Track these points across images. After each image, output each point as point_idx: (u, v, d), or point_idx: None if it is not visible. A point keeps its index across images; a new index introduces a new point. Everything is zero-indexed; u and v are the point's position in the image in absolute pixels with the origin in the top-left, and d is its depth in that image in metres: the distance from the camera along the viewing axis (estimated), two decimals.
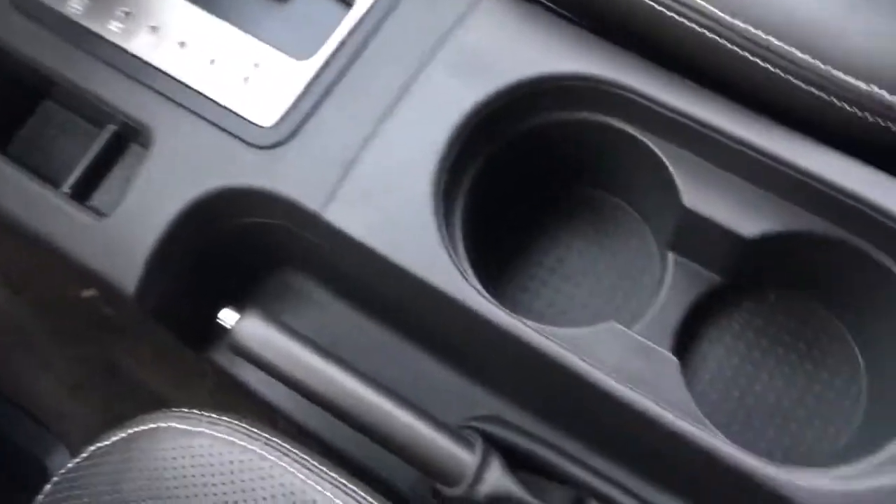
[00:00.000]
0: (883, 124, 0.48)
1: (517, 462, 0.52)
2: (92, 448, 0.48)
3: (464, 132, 0.53)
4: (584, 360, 0.48)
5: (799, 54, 0.48)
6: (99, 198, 0.60)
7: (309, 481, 0.45)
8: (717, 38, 0.49)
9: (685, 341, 0.58)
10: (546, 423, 0.56)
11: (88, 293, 0.74)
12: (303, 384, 0.50)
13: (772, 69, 0.49)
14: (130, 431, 0.47)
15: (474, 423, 0.54)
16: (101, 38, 0.59)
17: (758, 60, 0.49)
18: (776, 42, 0.48)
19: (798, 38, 0.48)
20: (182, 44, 0.58)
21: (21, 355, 0.84)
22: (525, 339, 0.49)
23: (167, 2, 0.59)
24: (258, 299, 0.64)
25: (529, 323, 0.50)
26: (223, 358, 0.64)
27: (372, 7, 0.57)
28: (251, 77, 0.56)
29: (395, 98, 0.54)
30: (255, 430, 0.47)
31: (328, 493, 0.45)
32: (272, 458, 0.46)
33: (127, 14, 0.59)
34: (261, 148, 0.55)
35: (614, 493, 0.53)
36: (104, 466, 0.47)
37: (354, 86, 0.56)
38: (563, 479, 0.53)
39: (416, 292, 0.52)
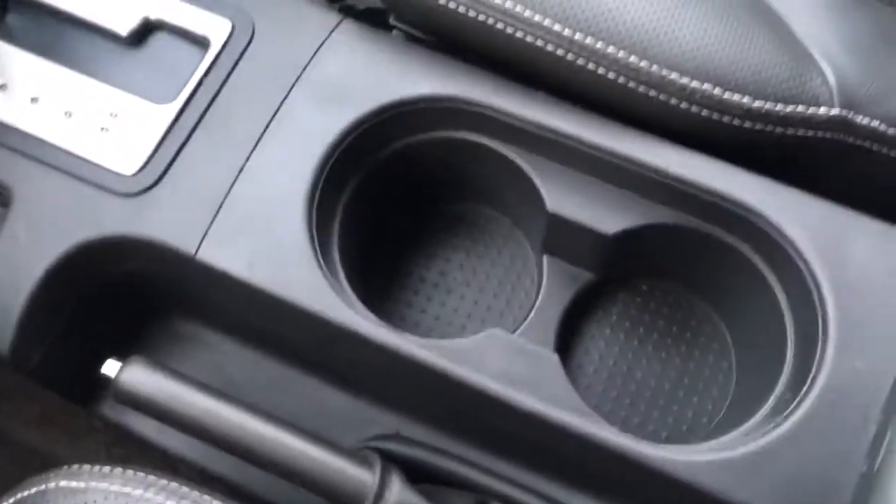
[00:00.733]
0: (717, 119, 0.52)
1: (420, 475, 0.53)
2: None
3: (330, 160, 0.55)
4: (469, 369, 0.50)
5: (635, 60, 0.51)
6: None
7: None
8: (555, 50, 0.52)
9: (567, 338, 0.60)
10: (445, 434, 0.58)
11: None
12: (193, 425, 0.49)
13: (612, 76, 0.52)
14: (16, 497, 0.46)
15: (373, 443, 0.55)
16: None
17: (599, 69, 0.52)
18: (612, 50, 0.51)
19: (631, 44, 0.51)
20: (34, 99, 0.57)
21: None
22: (411, 356, 0.50)
23: (14, 57, 0.58)
24: (145, 348, 0.63)
25: (413, 338, 0.52)
26: (113, 411, 0.62)
27: (227, 45, 0.58)
28: (110, 125, 0.56)
29: (259, 133, 0.55)
30: (153, 478, 0.47)
31: None
32: None
33: None
34: (126, 196, 0.54)
35: (515, 493, 0.54)
36: None
37: (218, 125, 0.56)
38: (466, 486, 0.55)
39: (300, 322, 0.52)
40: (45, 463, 0.48)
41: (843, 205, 0.52)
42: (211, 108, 0.56)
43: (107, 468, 0.47)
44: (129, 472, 0.47)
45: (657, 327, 0.62)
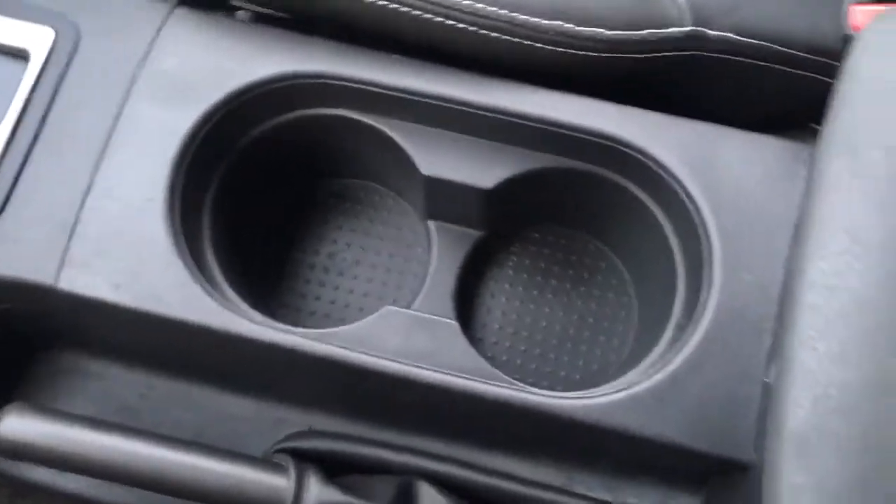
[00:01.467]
0: (573, 53, 0.51)
1: (342, 467, 0.51)
2: None
3: (186, 159, 0.51)
4: (365, 353, 0.48)
5: (482, 7, 0.50)
6: None
7: None
8: (410, 11, 0.50)
9: (467, 300, 0.59)
10: (360, 421, 0.56)
11: None
12: (86, 465, 0.46)
13: (461, 27, 0.50)
14: None
15: (286, 444, 0.53)
16: None
17: (448, 21, 0.50)
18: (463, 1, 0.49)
19: None
20: None
21: None
22: (303, 350, 0.48)
23: None
24: (30, 389, 0.59)
25: (304, 331, 0.49)
26: (6, 464, 0.58)
27: (52, 55, 0.53)
28: None
29: (103, 143, 0.51)
30: None
31: None
32: None
33: None
34: None
35: (439, 466, 0.53)
36: None
37: (56, 141, 0.52)
38: (390, 470, 0.53)
39: (181, 335, 0.49)
40: None
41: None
42: (45, 125, 0.52)
43: None
44: None
45: (554, 273, 0.61)
